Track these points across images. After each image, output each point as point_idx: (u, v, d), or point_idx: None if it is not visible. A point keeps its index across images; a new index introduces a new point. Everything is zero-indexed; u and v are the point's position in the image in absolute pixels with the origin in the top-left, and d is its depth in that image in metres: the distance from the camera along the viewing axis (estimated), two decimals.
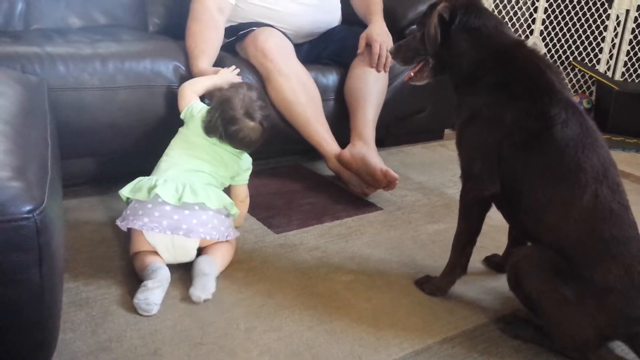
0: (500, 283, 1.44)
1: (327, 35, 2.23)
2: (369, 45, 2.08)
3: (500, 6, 3.42)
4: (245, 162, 1.62)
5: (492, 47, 1.28)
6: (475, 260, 1.52)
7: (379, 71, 2.08)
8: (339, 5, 2.28)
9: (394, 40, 2.08)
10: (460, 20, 1.29)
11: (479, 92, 1.29)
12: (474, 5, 1.31)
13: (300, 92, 1.93)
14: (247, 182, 1.63)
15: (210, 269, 1.38)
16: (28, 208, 0.88)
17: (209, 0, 1.92)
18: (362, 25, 2.18)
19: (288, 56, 1.98)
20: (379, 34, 2.08)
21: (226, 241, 1.47)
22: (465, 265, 1.40)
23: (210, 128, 1.53)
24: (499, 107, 1.25)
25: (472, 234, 1.37)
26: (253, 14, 2.09)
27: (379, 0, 2.21)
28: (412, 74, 1.44)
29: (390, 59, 2.05)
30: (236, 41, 2.07)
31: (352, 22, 2.27)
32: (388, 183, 1.86)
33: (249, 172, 1.64)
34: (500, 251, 1.57)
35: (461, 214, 1.36)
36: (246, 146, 1.57)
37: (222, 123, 1.51)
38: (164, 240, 1.39)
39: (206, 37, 1.88)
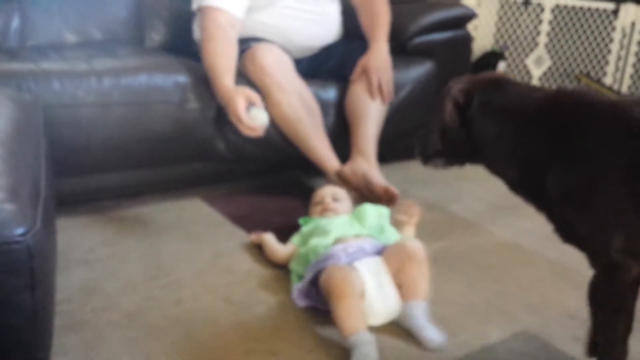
0: None
1: (328, 50, 2.20)
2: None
3: (504, 19, 3.41)
4: None
5: (538, 112, 1.09)
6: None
7: (374, 99, 2.02)
8: (339, 20, 2.25)
9: (395, 55, 2.06)
10: (480, 102, 1.14)
11: (567, 160, 1.05)
12: (495, 82, 1.16)
13: (300, 108, 1.90)
14: None
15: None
16: (20, 231, 0.88)
17: (220, 16, 1.90)
18: (364, 39, 2.14)
19: (287, 71, 1.96)
20: (377, 60, 2.03)
21: None
22: None
23: None
24: (604, 161, 1.02)
25: (627, 323, 1.08)
26: (251, 30, 2.07)
27: (386, 21, 2.14)
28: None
29: (392, 91, 2.04)
30: None
31: (354, 34, 2.23)
32: (389, 200, 1.83)
33: None
34: None
35: (609, 309, 1.07)
36: None
37: None
38: None
39: (224, 53, 1.85)
